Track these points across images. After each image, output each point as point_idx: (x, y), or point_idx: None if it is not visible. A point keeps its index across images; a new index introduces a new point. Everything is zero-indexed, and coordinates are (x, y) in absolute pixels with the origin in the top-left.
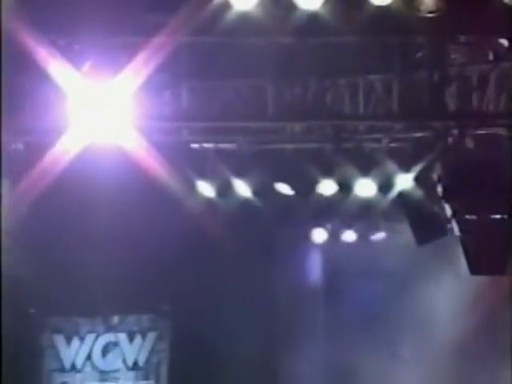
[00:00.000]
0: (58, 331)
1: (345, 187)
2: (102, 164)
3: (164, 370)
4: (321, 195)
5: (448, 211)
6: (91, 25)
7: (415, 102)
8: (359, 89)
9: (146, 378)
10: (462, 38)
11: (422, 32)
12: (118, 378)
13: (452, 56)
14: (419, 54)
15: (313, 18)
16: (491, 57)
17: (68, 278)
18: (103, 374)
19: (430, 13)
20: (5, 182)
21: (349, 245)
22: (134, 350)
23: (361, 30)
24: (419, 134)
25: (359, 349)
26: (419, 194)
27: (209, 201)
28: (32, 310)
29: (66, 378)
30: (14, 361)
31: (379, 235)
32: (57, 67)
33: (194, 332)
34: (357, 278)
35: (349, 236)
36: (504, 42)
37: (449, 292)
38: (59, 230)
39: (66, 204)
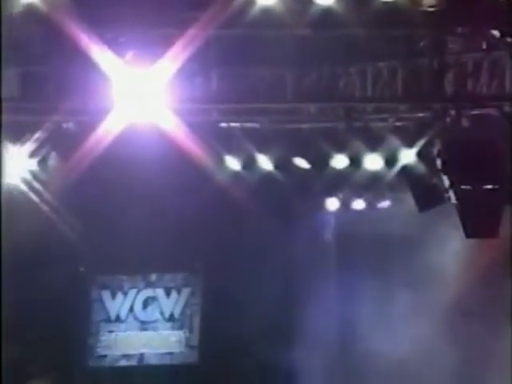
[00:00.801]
0: (104, 287)
1: (355, 161)
2: (142, 140)
3: (196, 321)
4: (334, 168)
5: (446, 182)
6: (133, 20)
7: (417, 85)
8: (368, 75)
9: (181, 328)
10: (459, 30)
11: (424, 25)
12: (156, 328)
13: (450, 45)
14: (421, 44)
15: (327, 12)
16: (484, 46)
17: (113, 241)
18: (143, 324)
19: (431, 7)
20: (56, 156)
21: (358, 212)
22: (171, 303)
23: (369, 22)
24: (421, 114)
25: (366, 303)
26: (421, 167)
27: (235, 173)
28: (82, 269)
29: (111, 327)
30: (68, 313)
31: (385, 203)
32: (104, 56)
33: (222, 288)
34: (365, 241)
35: (358, 204)
36: (496, 32)
37: (447, 253)
38: (105, 198)
39: (110, 175)
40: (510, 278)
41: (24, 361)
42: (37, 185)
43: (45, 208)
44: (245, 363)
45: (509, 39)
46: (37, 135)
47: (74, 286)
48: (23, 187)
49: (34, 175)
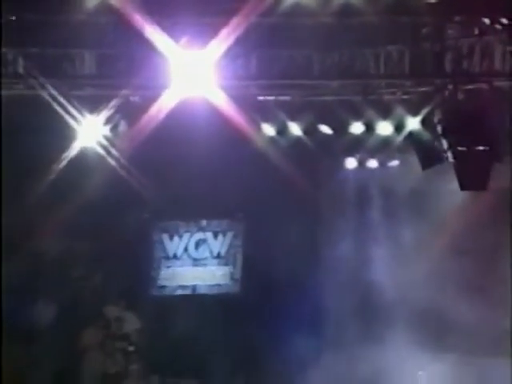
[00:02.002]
0: (164, 231)
1: (369, 128)
2: (194, 110)
3: (239, 259)
4: (352, 134)
5: (445, 145)
6: (187, 10)
7: (421, 65)
8: (380, 56)
9: (226, 264)
10: (456, 18)
11: (427, 14)
12: (206, 264)
13: (448, 31)
14: (424, 30)
15: (347, 3)
16: (477, 32)
17: (171, 193)
18: (195, 261)
19: None
20: (124, 123)
21: (372, 170)
22: (218, 244)
23: (381, 12)
24: (424, 89)
25: (379, 246)
26: (424, 132)
27: (271, 138)
28: (147, 216)
29: (169, 263)
30: (136, 252)
31: (394, 163)
32: (163, 41)
33: (259, 231)
34: (378, 194)
35: (372, 163)
36: (486, 20)
37: (447, 203)
38: (165, 157)
39: (168, 137)
40: (502, 224)
41: (104, 288)
42: (109, 146)
43: (116, 165)
44: (277, 294)
45: (497, 26)
46: (109, 106)
47: (140, 230)
48: (99, 149)
49: (107, 139)
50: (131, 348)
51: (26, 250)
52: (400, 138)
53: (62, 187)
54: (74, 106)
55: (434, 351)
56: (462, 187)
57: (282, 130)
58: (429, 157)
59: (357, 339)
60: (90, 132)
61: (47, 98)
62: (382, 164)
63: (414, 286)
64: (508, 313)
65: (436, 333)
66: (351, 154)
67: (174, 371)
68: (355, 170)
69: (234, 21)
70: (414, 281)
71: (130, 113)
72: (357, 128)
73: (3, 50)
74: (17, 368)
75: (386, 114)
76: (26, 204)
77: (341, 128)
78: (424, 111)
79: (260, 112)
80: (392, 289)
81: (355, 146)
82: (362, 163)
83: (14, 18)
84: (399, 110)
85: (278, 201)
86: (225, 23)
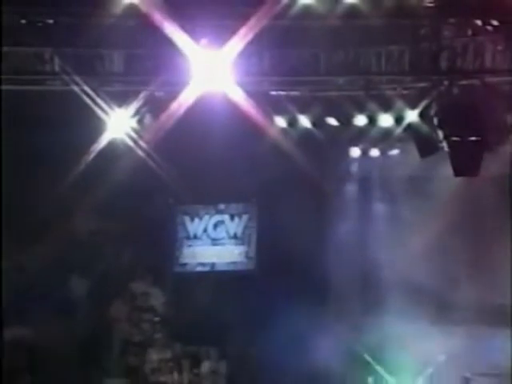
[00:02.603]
0: (186, 214)
1: (372, 120)
2: (213, 104)
3: (253, 239)
4: (356, 125)
5: (440, 135)
6: (206, 15)
7: (419, 63)
8: (382, 55)
9: (242, 243)
10: (451, 20)
11: (425, 16)
12: (223, 244)
13: (444, 32)
14: (423, 31)
15: (351, 7)
16: (470, 33)
17: (193, 180)
18: (214, 241)
19: (430, 3)
20: (150, 116)
21: (374, 158)
22: (234, 225)
23: (384, 15)
24: (422, 84)
25: (380, 225)
26: (422, 124)
27: (282, 129)
28: (170, 200)
29: (191, 242)
30: (164, 233)
31: (394, 152)
32: (185, 42)
33: (271, 214)
34: (379, 180)
35: (374, 152)
36: (478, 22)
37: (442, 187)
38: (187, 146)
39: (190, 128)
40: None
41: (132, 265)
42: (136, 137)
43: (142, 154)
44: (287, 270)
45: (489, 27)
46: (136, 101)
47: (164, 213)
48: (127, 139)
49: (134, 130)
50: (157, 319)
51: (63, 229)
52: (400, 130)
53: (94, 174)
54: (104, 101)
55: (436, 323)
56: (456, 173)
57: (293, 122)
58: (426, 146)
59: (361, 310)
60: (118, 124)
61: (80, 93)
62: (384, 153)
63: (413, 263)
64: (503, 287)
65: (437, 307)
66: (355, 144)
67: (194, 339)
68: (359, 159)
69: (249, 23)
70: (413, 257)
71: (154, 107)
72: (360, 120)
73: (42, 49)
74: (52, 337)
75: (387, 107)
76: (64, 188)
77: (346, 120)
78: (422, 105)
79: (272, 106)
80: (392, 264)
81: (359, 136)
82: (365, 152)
83: (51, 21)
84: (399, 104)
85: (289, 186)
86: (240, 25)
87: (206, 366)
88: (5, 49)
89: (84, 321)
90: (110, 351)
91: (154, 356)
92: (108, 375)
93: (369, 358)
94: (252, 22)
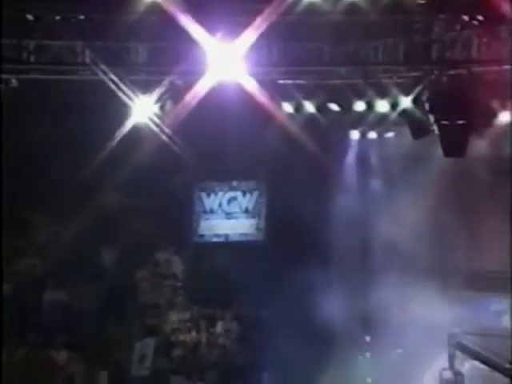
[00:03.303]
0: (202, 190)
1: (370, 106)
2: (227, 92)
3: (263, 213)
4: (355, 111)
5: (431, 119)
6: (221, 10)
7: (413, 54)
8: (379, 47)
9: (253, 217)
10: (441, 16)
11: (418, 12)
12: (236, 217)
13: (435, 27)
14: (416, 26)
15: (352, 4)
16: (458, 27)
17: (209, 159)
18: (228, 215)
19: (422, 1)
20: (171, 103)
21: (372, 140)
22: (246, 201)
23: (381, 11)
24: (415, 74)
25: (377, 200)
26: (415, 109)
27: (289, 114)
28: (189, 178)
29: (207, 216)
30: (180, 207)
31: (390, 134)
32: (202, 35)
33: (279, 191)
34: (376, 159)
35: (372, 135)
36: (465, 17)
37: (432, 166)
38: (204, 129)
39: (206, 113)
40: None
41: (155, 236)
42: (158, 122)
43: (164, 137)
44: (293, 239)
45: (475, 22)
46: (158, 89)
47: (183, 189)
48: (150, 123)
49: (157, 115)
50: (178, 284)
51: (95, 204)
52: (395, 114)
53: (121, 155)
54: (129, 89)
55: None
56: (445, 154)
57: (299, 108)
58: (418, 129)
59: (360, 273)
60: (142, 110)
61: (108, 82)
62: (380, 135)
63: (407, 233)
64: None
65: (429, 273)
66: (355, 127)
67: (211, 302)
68: (358, 140)
69: (259, 19)
70: (407, 228)
71: (175, 94)
72: (359, 106)
73: (74, 43)
74: (85, 299)
75: (383, 94)
76: (96, 167)
77: (346, 106)
78: (415, 92)
79: (280, 93)
80: (388, 234)
81: (358, 120)
82: (363, 134)
83: (83, 17)
84: (394, 91)
85: (295, 165)
86: (251, 21)
87: (220, 326)
88: (42, 42)
89: (113, 286)
90: (135, 313)
91: (174, 317)
92: (133, 335)
93: (366, 317)
94: (262, 17)
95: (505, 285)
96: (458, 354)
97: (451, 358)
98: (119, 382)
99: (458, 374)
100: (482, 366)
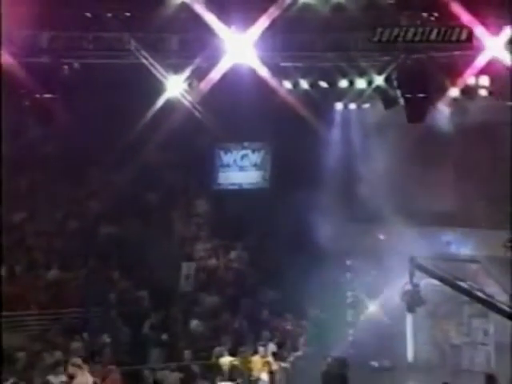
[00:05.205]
0: (221, 149)
1: (351, 83)
2: (240, 72)
3: (268, 167)
4: (340, 87)
5: (399, 93)
6: (236, 8)
7: (385, 43)
8: (359, 37)
9: (260, 169)
10: (406, 13)
11: (388, 10)
12: (247, 170)
13: (401, 21)
14: (386, 21)
15: (338, 4)
16: (419, 22)
17: (226, 126)
18: (241, 168)
19: (391, 2)
20: (196, 81)
21: (352, 110)
22: (255, 157)
23: (360, 9)
24: (386, 58)
25: (355, 152)
26: (386, 86)
27: (288, 89)
28: (210, 139)
29: (224, 169)
30: (203, 161)
31: (366, 105)
32: (221, 28)
33: (282, 149)
34: (355, 125)
35: (352, 106)
36: (425, 14)
37: (399, 130)
38: (222, 103)
39: (224, 89)
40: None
41: (183, 183)
42: (187, 96)
43: (191, 107)
44: (292, 186)
45: (432, 18)
46: (187, 70)
47: (205, 148)
48: (180, 97)
49: (186, 91)
50: (202, 221)
51: (137, 159)
52: (370, 90)
53: (157, 122)
54: (164, 70)
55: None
56: (409, 120)
57: (296, 85)
58: (388, 101)
59: (343, 206)
60: (175, 87)
61: (148, 65)
62: (359, 107)
63: (380, 180)
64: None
65: (397, 213)
66: (339, 100)
67: (229, 235)
68: (342, 111)
69: (266, 14)
70: (380, 176)
71: (200, 74)
72: (343, 83)
73: (121, 34)
74: (132, 233)
75: (361, 74)
76: (138, 131)
77: (333, 83)
78: (386, 72)
79: (282, 73)
80: (365, 180)
81: (342, 95)
82: (345, 106)
83: (128, 14)
84: (370, 72)
85: (294, 129)
86: (259, 16)
87: (234, 254)
88: (97, 34)
89: (153, 222)
90: (170, 244)
91: (199, 247)
92: (168, 261)
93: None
94: (267, 14)
95: (453, 220)
96: (417, 272)
97: (411, 275)
98: (166, 297)
99: (415, 287)
100: (435, 282)
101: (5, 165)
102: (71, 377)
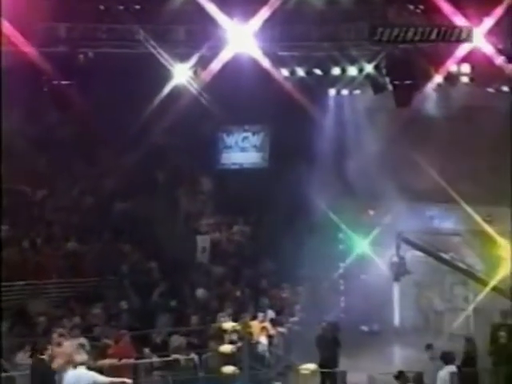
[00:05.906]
0: (223, 131)
1: (343, 71)
2: (242, 61)
3: (267, 147)
4: (333, 74)
5: (387, 80)
6: (237, 2)
7: (375, 34)
8: (351, 29)
9: (260, 151)
10: (394, 6)
11: (378, 3)
12: (247, 151)
13: (390, 14)
14: (376, 14)
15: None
16: (406, 14)
17: (228, 110)
18: (242, 149)
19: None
20: (201, 68)
21: (345, 96)
22: (255, 139)
23: (352, 2)
24: (376, 48)
25: (348, 133)
26: (375, 73)
27: (286, 77)
28: (214, 122)
29: (227, 150)
30: (207, 143)
31: (357, 91)
32: (224, 20)
33: (279, 131)
34: (347, 109)
35: (344, 92)
36: (411, 7)
37: (388, 113)
38: (224, 88)
39: (227, 76)
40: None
41: (188, 163)
42: (193, 83)
43: (196, 93)
44: (288, 166)
45: (418, 11)
46: (192, 59)
47: (209, 131)
48: (186, 83)
49: (192, 78)
50: (205, 198)
51: (146, 141)
52: (361, 77)
53: (165, 107)
54: (171, 59)
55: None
56: (397, 105)
57: (293, 72)
58: (378, 87)
59: (337, 179)
60: (181, 74)
61: (157, 54)
62: (351, 92)
63: (370, 160)
64: (427, 177)
65: (386, 190)
66: (333, 86)
67: (231, 211)
68: (334, 97)
69: (266, 7)
70: (370, 155)
71: (204, 62)
72: (336, 71)
73: (131, 26)
74: (144, 210)
75: (353, 62)
76: (147, 114)
77: (327, 71)
78: (376, 61)
79: (280, 61)
80: (357, 159)
81: (334, 81)
82: (338, 92)
83: (138, 7)
84: (361, 60)
85: (291, 114)
86: (259, 9)
87: (236, 229)
88: (110, 25)
89: (162, 199)
90: (176, 219)
91: (204, 221)
92: (175, 235)
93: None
94: (267, 7)
95: (436, 196)
96: (403, 245)
97: (397, 248)
98: (182, 268)
99: (401, 259)
100: (420, 254)
101: (28, 147)
102: (59, 344)
